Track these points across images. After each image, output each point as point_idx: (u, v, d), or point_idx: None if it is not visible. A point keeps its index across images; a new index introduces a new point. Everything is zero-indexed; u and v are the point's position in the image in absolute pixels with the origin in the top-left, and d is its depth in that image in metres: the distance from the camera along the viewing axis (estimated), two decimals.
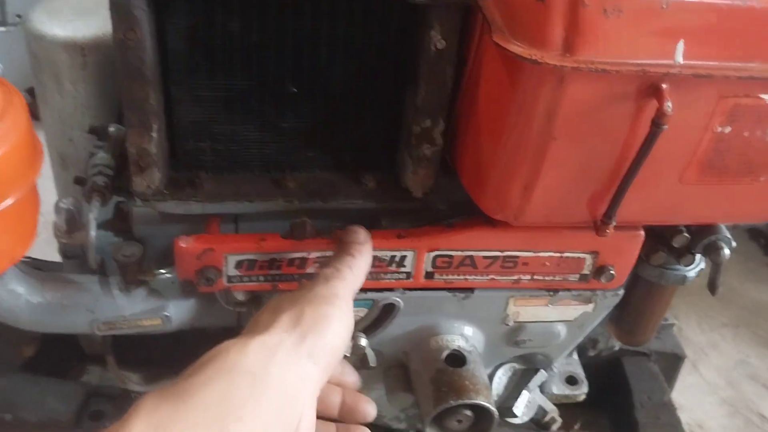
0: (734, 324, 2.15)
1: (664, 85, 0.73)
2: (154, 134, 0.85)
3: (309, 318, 0.69)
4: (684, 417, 1.80)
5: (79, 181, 1.03)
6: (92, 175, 0.98)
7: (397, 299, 0.98)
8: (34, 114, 0.98)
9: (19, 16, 2.35)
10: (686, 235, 0.99)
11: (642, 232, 0.96)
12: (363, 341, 1.00)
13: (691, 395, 1.87)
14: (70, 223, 0.99)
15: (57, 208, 0.99)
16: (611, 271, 0.98)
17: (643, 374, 1.51)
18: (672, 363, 1.57)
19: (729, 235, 1.00)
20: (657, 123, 0.74)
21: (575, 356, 1.36)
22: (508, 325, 1.05)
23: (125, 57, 0.79)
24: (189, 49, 0.83)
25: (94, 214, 0.94)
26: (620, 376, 1.50)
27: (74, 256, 1.03)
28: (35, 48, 1.11)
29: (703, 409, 1.85)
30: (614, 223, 0.85)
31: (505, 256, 0.96)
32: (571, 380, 1.33)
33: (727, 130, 0.80)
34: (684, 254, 1.01)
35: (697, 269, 1.06)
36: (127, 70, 0.80)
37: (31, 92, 1.16)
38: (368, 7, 0.83)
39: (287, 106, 0.90)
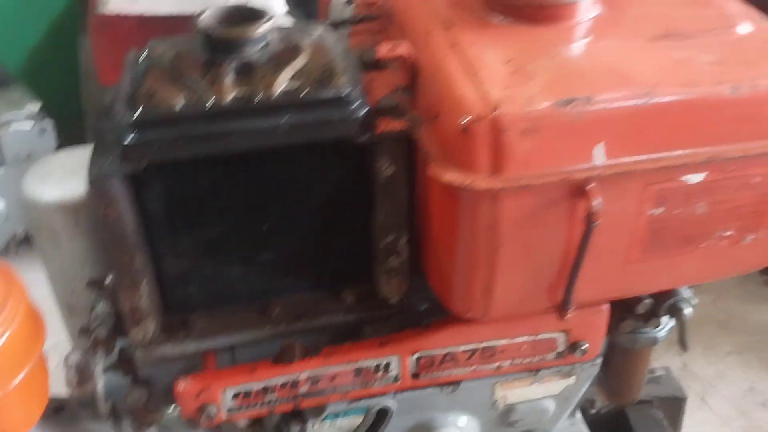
0: (739, 351, 2.19)
1: (589, 186, 0.82)
2: (143, 292, 0.94)
3: None
4: None
5: (84, 331, 1.11)
6: (95, 327, 1.06)
7: (390, 402, 1.05)
8: None
9: (15, 156, 2.47)
10: (648, 301, 1.06)
11: (606, 307, 1.03)
12: None
13: (703, 431, 1.90)
14: (80, 376, 1.06)
15: (66, 363, 1.07)
16: (584, 347, 1.04)
17: (648, 422, 1.55)
18: (675, 406, 1.62)
19: (688, 295, 1.07)
20: (589, 220, 0.82)
21: (579, 416, 1.42)
22: (498, 409, 1.11)
23: (108, 230, 0.88)
24: (166, 211, 0.92)
25: (100, 367, 1.02)
26: (626, 427, 1.55)
27: (88, 404, 1.10)
28: (31, 212, 1.19)
29: None
30: (572, 308, 0.92)
31: (483, 348, 1.03)
32: None
33: (659, 211, 0.88)
34: (650, 319, 1.08)
35: (667, 328, 1.12)
36: (110, 240, 0.89)
37: None
38: (324, 150, 0.92)
39: (263, 243, 0.99)
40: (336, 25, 1.09)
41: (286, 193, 0.95)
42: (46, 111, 2.60)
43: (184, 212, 0.93)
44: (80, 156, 1.29)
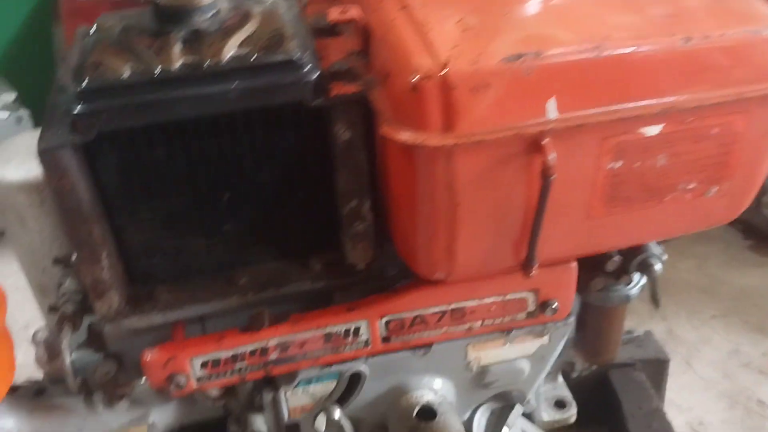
0: (723, 314, 2.19)
1: (544, 141, 0.81)
2: (104, 263, 0.93)
3: None
4: (683, 417, 1.86)
5: (52, 309, 1.10)
6: (62, 303, 1.06)
7: (362, 367, 1.05)
8: None
9: None
10: (617, 258, 1.05)
11: (574, 264, 1.02)
12: (337, 414, 1.06)
13: (688, 394, 1.91)
14: (49, 352, 1.06)
15: (34, 340, 1.07)
16: (554, 305, 1.04)
17: (631, 385, 1.56)
18: (658, 368, 1.62)
19: (658, 251, 1.06)
20: (545, 174, 0.82)
21: (561, 380, 1.42)
22: (472, 370, 1.11)
23: (62, 201, 0.88)
24: (122, 182, 0.92)
25: (67, 342, 1.01)
26: (609, 390, 1.55)
27: (60, 380, 1.10)
28: None
29: (702, 406, 1.88)
30: (536, 264, 0.92)
31: (452, 309, 1.02)
32: (560, 404, 1.38)
33: (618, 164, 0.87)
34: (620, 276, 1.08)
35: (639, 286, 1.12)
36: (66, 212, 0.89)
37: None
38: (279, 114, 0.91)
39: (225, 212, 0.98)
40: None
41: (244, 161, 0.94)
42: (22, 101, 2.58)
43: (141, 183, 0.92)
44: None
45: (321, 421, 1.07)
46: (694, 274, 2.30)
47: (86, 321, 1.08)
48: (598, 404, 1.51)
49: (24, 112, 2.53)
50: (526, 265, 0.92)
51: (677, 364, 1.90)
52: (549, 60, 0.80)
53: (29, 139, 1.27)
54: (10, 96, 2.56)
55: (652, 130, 0.86)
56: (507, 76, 0.79)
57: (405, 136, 0.80)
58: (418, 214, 0.88)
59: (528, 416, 1.31)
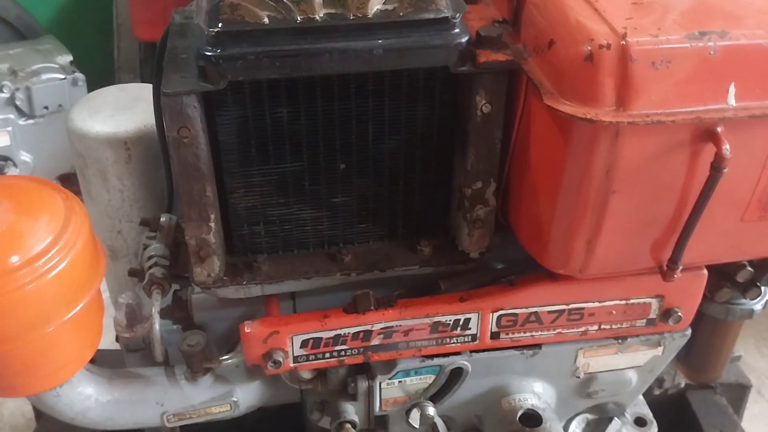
0: None
1: (719, 129, 0.73)
2: (212, 225, 0.86)
3: None
4: None
5: (134, 273, 1.04)
6: (149, 267, 0.99)
7: (465, 362, 0.98)
8: None
9: (46, 107, 2.40)
10: (749, 269, 0.98)
11: (705, 272, 0.95)
12: (431, 410, 0.99)
13: (761, 423, 1.82)
14: (131, 318, 0.99)
15: (117, 304, 1.00)
16: (678, 313, 0.96)
17: (711, 408, 1.48)
18: (738, 393, 1.54)
19: None
20: (716, 167, 0.74)
21: (641, 396, 1.34)
22: (579, 377, 1.03)
23: (180, 154, 0.81)
24: (240, 140, 0.85)
25: (156, 308, 0.95)
26: (687, 412, 1.47)
27: (136, 348, 1.03)
28: (79, 146, 1.13)
29: None
30: (681, 268, 0.84)
31: (570, 309, 0.95)
32: (640, 422, 1.30)
33: None
34: (749, 288, 1.00)
35: (763, 301, 1.04)
36: (182, 166, 0.82)
37: (63, 179, 1.17)
38: (412, 81, 0.84)
39: (338, 184, 0.91)
40: None
41: (368, 129, 0.87)
42: (77, 65, 2.53)
43: (259, 144, 0.86)
44: (133, 90, 1.22)
45: (414, 417, 1.00)
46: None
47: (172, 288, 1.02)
48: (673, 425, 1.43)
49: (79, 75, 2.48)
50: (669, 267, 0.84)
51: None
52: (736, 41, 0.72)
53: (118, 92, 1.22)
54: (66, 58, 2.51)
55: None
56: (690, 54, 0.72)
57: (571, 109, 0.72)
58: (563, 199, 0.80)
59: None
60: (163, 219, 1.06)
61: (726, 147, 0.73)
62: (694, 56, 0.72)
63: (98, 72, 2.70)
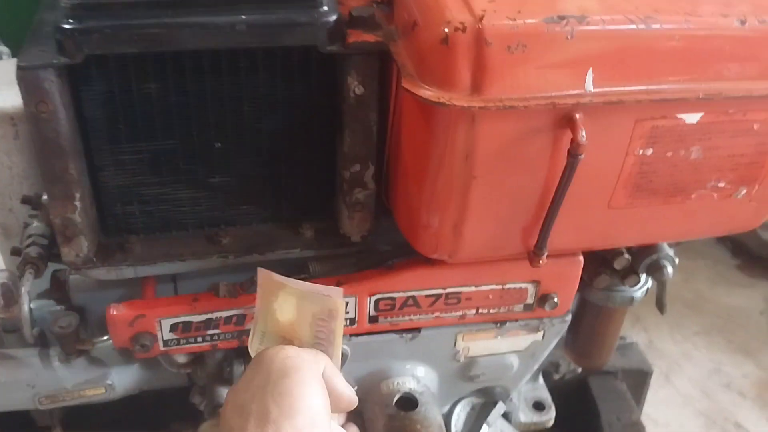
0: (706, 332, 2.15)
1: (577, 115, 0.74)
2: (78, 203, 0.84)
3: (275, 410, 0.63)
4: None
5: (15, 252, 1.01)
6: (26, 246, 0.97)
7: (344, 346, 0.97)
8: None
9: None
10: (627, 256, 0.99)
11: (580, 258, 0.96)
12: None
13: (666, 409, 1.86)
14: (7, 297, 0.96)
15: None
16: (554, 299, 0.97)
17: (610, 394, 1.50)
18: (639, 379, 1.57)
19: (671, 253, 1.00)
20: (573, 153, 0.75)
21: (541, 381, 1.36)
22: (459, 361, 1.04)
23: (39, 129, 0.79)
24: (107, 116, 0.83)
25: (26, 287, 0.92)
26: (587, 397, 1.50)
27: (14, 329, 1.00)
28: None
29: (679, 422, 1.84)
30: (546, 253, 0.85)
31: (447, 293, 0.95)
32: (539, 406, 1.32)
33: (649, 152, 0.81)
34: (628, 275, 1.01)
35: (644, 289, 1.06)
36: (42, 142, 0.80)
37: None
38: (286, 59, 0.83)
39: (215, 163, 0.90)
40: None
41: (243, 107, 0.86)
42: (2, 37, 2.45)
43: (128, 119, 0.84)
44: None
45: None
46: (680, 288, 2.26)
47: (50, 269, 1.00)
48: (575, 410, 1.45)
49: (4, 49, 2.40)
50: (534, 253, 0.85)
51: (656, 378, 1.83)
52: (594, 26, 0.73)
53: (8, 66, 1.18)
54: None
55: (691, 118, 0.79)
56: (546, 38, 0.72)
57: (428, 93, 0.72)
58: (428, 184, 0.80)
59: (505, 416, 1.24)
60: (44, 197, 1.03)
61: (582, 133, 0.73)
62: (551, 40, 0.72)
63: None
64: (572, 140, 0.74)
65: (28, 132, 1.08)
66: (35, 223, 0.99)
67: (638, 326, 2.07)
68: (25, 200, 1.06)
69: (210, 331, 0.91)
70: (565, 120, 0.74)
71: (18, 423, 1.23)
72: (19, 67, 0.75)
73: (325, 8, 0.78)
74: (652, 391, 1.65)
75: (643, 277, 1.03)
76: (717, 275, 2.38)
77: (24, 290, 0.92)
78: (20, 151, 1.11)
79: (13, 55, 2.34)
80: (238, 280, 0.92)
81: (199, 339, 0.91)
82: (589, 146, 0.74)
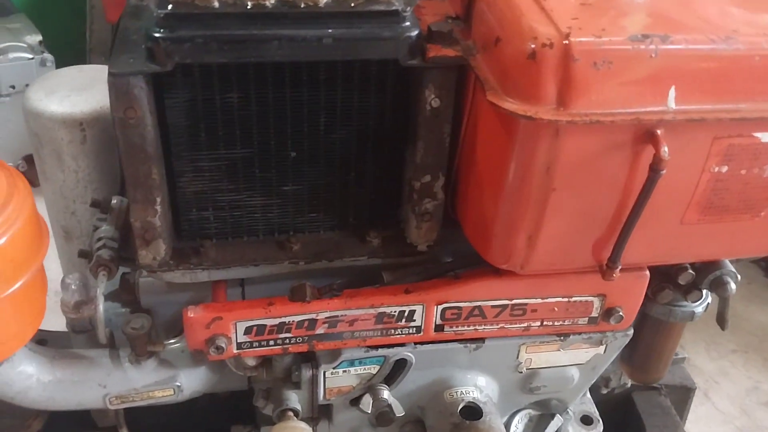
0: (743, 350, 2.14)
1: (659, 131, 0.75)
2: (158, 207, 0.86)
3: None
4: None
5: (83, 254, 1.03)
6: (97, 248, 0.99)
7: (409, 354, 0.98)
8: (32, 181, 0.98)
9: (12, 87, 2.37)
10: (691, 272, 1.00)
11: (647, 272, 0.96)
12: (386, 393, 0.99)
13: (705, 426, 1.85)
14: (78, 299, 0.99)
15: (64, 284, 1.00)
16: (620, 313, 0.98)
17: (655, 409, 1.50)
18: (683, 395, 1.57)
19: (734, 269, 1.00)
20: (655, 168, 0.76)
21: (588, 395, 1.36)
22: (521, 372, 1.05)
23: (126, 135, 0.81)
24: (189, 123, 0.85)
25: (101, 289, 0.94)
26: (632, 412, 1.50)
27: (83, 330, 1.03)
28: (34, 126, 1.12)
29: None
30: (620, 267, 0.85)
31: (513, 304, 0.96)
32: (586, 420, 1.32)
33: (724, 169, 0.82)
34: (691, 291, 1.02)
35: (705, 304, 1.06)
36: (128, 147, 0.82)
37: (28, 160, 1.16)
38: (364, 72, 0.85)
39: (289, 171, 0.91)
40: None
41: (319, 118, 0.87)
42: (47, 45, 2.50)
43: (209, 128, 0.85)
44: (91, 71, 1.21)
45: (365, 402, 1.00)
46: (714, 306, 2.24)
47: (120, 270, 1.02)
48: (618, 425, 1.46)
49: (48, 56, 2.44)
50: (608, 267, 0.86)
51: (695, 395, 1.84)
52: (677, 45, 0.74)
53: (75, 72, 1.21)
54: (35, 38, 2.48)
55: (767, 137, 0.80)
56: (631, 56, 0.73)
57: (513, 106, 0.73)
58: (505, 195, 0.81)
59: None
60: (114, 201, 1.05)
61: (664, 149, 0.75)
62: (636, 58, 0.73)
63: (71, 54, 2.67)
64: (654, 155, 0.75)
65: (95, 137, 1.11)
66: (104, 227, 1.01)
67: None
68: (94, 204, 1.08)
69: (282, 335, 0.92)
70: (647, 136, 0.75)
71: (76, 424, 1.25)
72: (110, 74, 0.77)
73: (408, 23, 0.80)
74: (692, 408, 1.64)
75: (705, 292, 1.04)
76: (751, 294, 2.37)
77: (99, 292, 0.93)
78: (87, 156, 1.13)
79: (60, 64, 2.39)
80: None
81: (271, 342, 0.93)
82: (668, 162, 0.75)
